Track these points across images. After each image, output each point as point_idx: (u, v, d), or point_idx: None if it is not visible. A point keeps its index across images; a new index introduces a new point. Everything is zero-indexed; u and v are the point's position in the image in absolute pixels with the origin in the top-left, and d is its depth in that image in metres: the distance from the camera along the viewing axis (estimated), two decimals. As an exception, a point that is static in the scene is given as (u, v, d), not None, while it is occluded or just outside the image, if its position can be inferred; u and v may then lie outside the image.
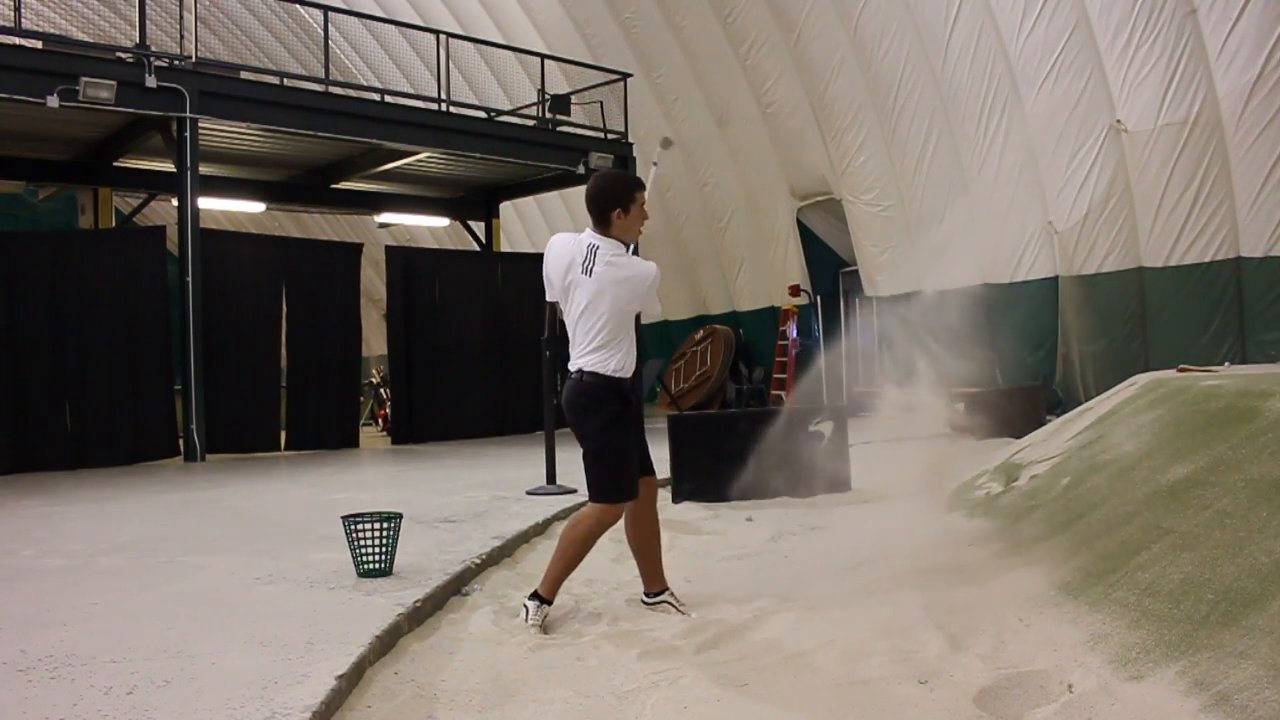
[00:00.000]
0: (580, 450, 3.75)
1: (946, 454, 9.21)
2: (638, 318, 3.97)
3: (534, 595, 3.66)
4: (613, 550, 5.00)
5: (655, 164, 4.34)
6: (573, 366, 3.68)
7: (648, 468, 3.84)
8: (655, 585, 3.87)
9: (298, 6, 12.67)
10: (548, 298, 3.80)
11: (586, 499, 3.77)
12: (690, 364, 16.53)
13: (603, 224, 3.65)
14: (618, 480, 3.65)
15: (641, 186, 3.73)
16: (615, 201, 3.63)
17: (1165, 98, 10.55)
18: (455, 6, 17.88)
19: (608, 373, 3.62)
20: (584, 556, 3.74)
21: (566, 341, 3.76)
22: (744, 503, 6.42)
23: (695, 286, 17.35)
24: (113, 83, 9.31)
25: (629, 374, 3.69)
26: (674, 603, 3.82)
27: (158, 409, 10.28)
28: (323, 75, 11.70)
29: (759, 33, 14.36)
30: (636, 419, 3.76)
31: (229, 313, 10.63)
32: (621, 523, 3.81)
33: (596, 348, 3.62)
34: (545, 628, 3.58)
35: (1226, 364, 8.72)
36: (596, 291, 3.58)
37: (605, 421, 3.63)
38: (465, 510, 6.00)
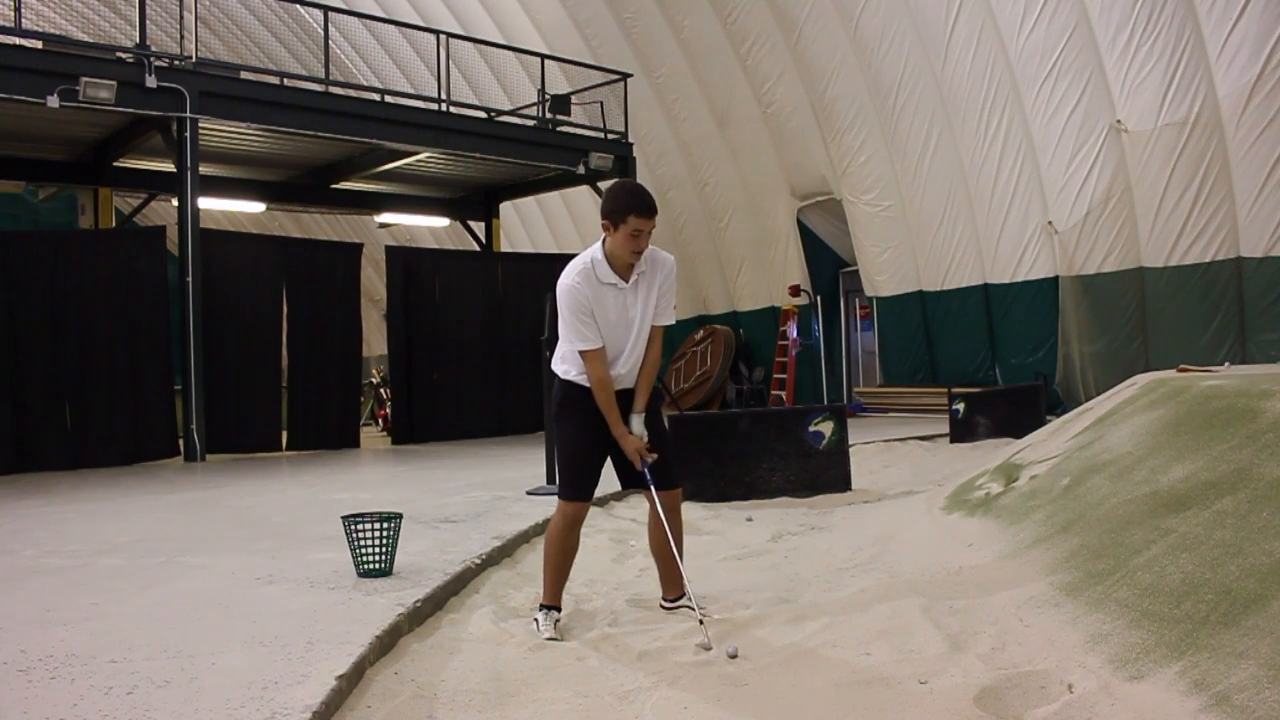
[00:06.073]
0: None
1: (946, 454, 9.21)
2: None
3: (541, 606, 3.65)
4: (612, 550, 5.00)
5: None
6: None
7: (665, 480, 3.70)
8: (673, 591, 3.82)
9: (298, 6, 12.66)
10: (591, 347, 3.53)
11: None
12: (690, 364, 16.52)
13: (604, 229, 3.57)
14: (565, 477, 3.69)
15: (637, 213, 3.44)
16: (605, 213, 3.52)
17: (1165, 98, 10.56)
18: (455, 6, 17.88)
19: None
20: (566, 556, 3.67)
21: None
22: (744, 503, 6.43)
23: (695, 286, 17.35)
24: (113, 83, 9.31)
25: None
26: (692, 606, 3.70)
27: (158, 409, 10.28)
28: (323, 75, 11.69)
29: (759, 33, 14.36)
30: (658, 429, 3.71)
31: (229, 313, 10.64)
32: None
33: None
34: (560, 634, 3.54)
35: (1226, 364, 8.71)
36: (644, 306, 3.58)
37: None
38: (465, 510, 6.00)
